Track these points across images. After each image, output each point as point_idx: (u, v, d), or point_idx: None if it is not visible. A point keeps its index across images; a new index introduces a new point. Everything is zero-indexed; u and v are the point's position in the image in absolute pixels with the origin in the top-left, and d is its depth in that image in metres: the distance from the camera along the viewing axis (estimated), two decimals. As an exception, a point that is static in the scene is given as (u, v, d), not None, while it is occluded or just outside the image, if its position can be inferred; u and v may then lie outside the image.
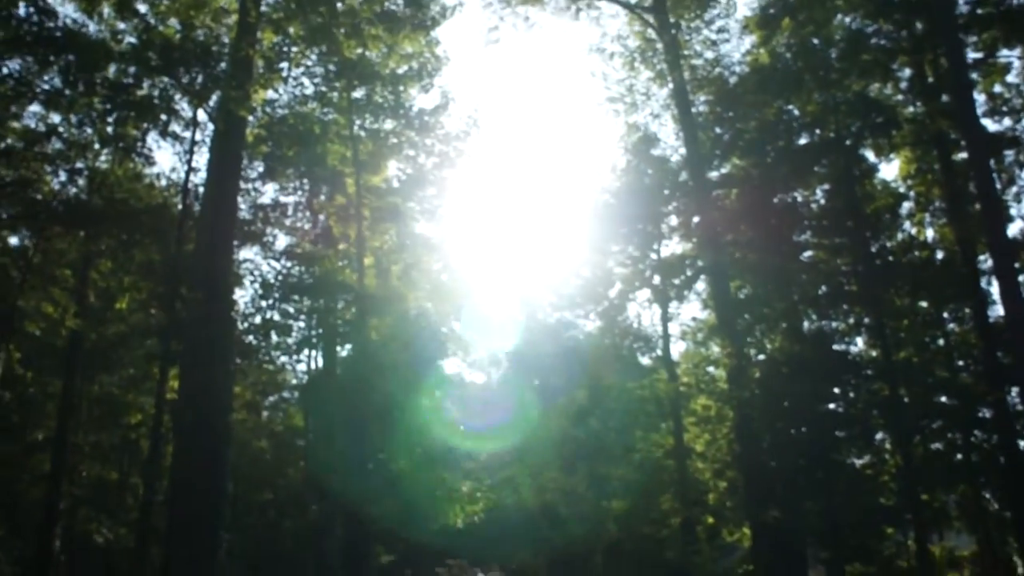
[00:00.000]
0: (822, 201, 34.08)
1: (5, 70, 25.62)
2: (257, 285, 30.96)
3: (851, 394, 30.89)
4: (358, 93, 25.56)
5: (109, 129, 28.63)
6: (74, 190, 31.73)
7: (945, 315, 34.13)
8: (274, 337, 29.69)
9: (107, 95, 25.19)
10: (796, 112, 33.50)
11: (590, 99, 73.55)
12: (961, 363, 32.64)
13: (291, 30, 25.28)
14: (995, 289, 43.46)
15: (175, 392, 28.26)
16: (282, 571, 37.58)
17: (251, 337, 30.31)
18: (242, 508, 43.14)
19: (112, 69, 25.05)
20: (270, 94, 25.42)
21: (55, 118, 28.33)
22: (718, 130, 33.88)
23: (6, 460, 34.81)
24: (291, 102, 26.71)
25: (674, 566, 30.41)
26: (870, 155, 34.66)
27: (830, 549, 29.48)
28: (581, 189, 37.51)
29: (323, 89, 25.78)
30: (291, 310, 28.53)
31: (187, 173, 31.46)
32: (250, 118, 24.48)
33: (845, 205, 32.35)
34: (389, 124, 26.15)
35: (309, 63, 25.69)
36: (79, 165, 31.24)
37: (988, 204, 22.73)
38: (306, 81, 26.08)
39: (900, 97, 34.28)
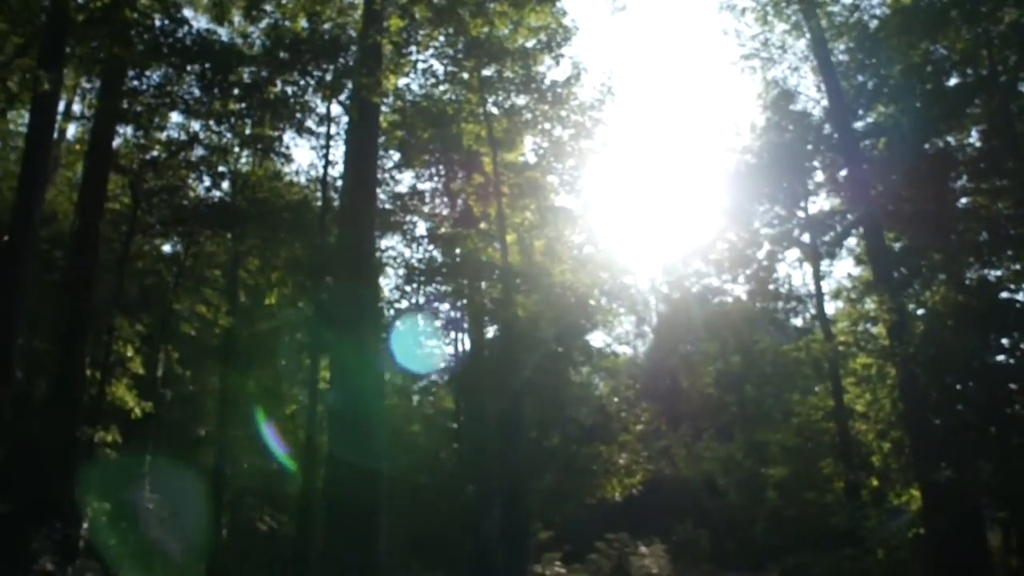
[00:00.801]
0: (978, 144, 32.34)
1: (146, 83, 26.50)
2: (401, 271, 31.26)
3: (1022, 345, 29.21)
4: (488, 71, 25.40)
5: (247, 131, 29.44)
6: (218, 193, 32.68)
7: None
8: (420, 321, 29.96)
9: (242, 96, 25.71)
10: (944, 52, 31.81)
11: (723, 59, 72.18)
12: None
13: (417, 14, 25.26)
14: None
15: (327, 382, 28.79)
16: (440, 553, 37.99)
17: (398, 322, 30.60)
18: (397, 492, 43.91)
19: (246, 72, 25.56)
20: (401, 80, 25.42)
21: (196, 125, 29.26)
22: (861, 78, 32.42)
23: (174, 455, 36.21)
24: (422, 86, 26.77)
25: (840, 532, 29.39)
26: (1027, 91, 32.75)
27: (1008, 508, 28.10)
28: (720, 152, 36.33)
29: (453, 70, 25.65)
30: (436, 292, 28.76)
31: (325, 167, 31.99)
32: (383, 105, 24.55)
33: (1004, 146, 30.59)
34: (522, 99, 25.92)
35: (437, 45, 25.57)
36: (221, 169, 32.20)
37: None
38: (435, 63, 26.04)
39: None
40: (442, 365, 35.67)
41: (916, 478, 27.02)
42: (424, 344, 35.81)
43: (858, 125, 32.44)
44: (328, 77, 24.51)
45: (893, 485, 29.74)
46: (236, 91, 24.75)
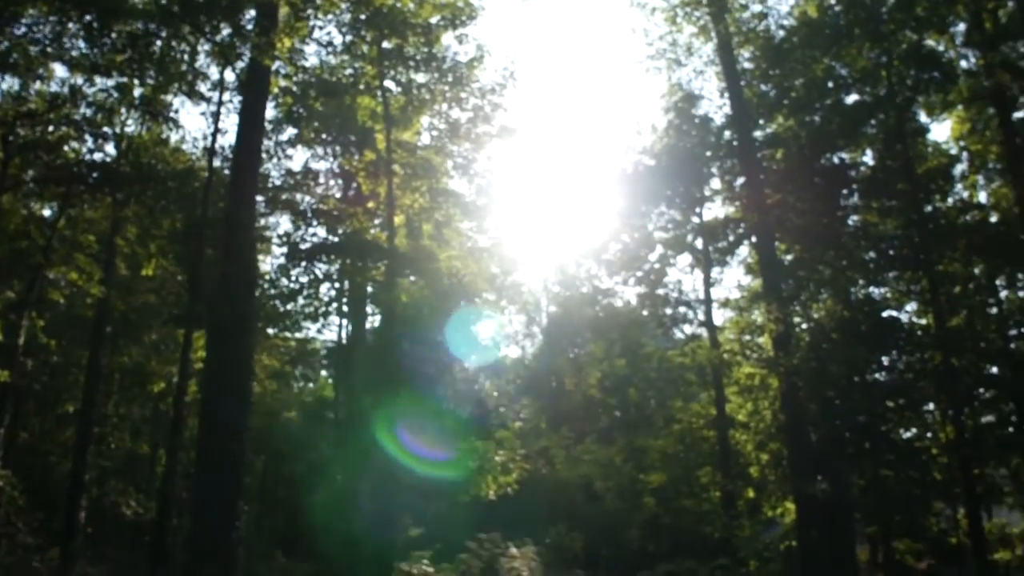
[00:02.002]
0: (871, 162, 32.73)
1: (25, 29, 24.88)
2: (284, 249, 30.14)
3: (900, 363, 29.58)
4: (388, 44, 24.44)
5: (136, 92, 28.02)
6: (100, 156, 31.10)
7: (999, 281, 32.85)
8: (301, 301, 28.89)
9: (130, 51, 24.28)
10: (845, 69, 32.12)
11: (630, 57, 72.35)
12: (1014, 332, 31.25)
13: (318, -26, 24.27)
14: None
15: (202, 361, 27.51)
16: (310, 544, 36.88)
17: (278, 302, 29.44)
18: (272, 481, 42.58)
19: (136, 26, 24.16)
20: (297, 44, 24.29)
21: (80, 81, 27.70)
22: (764, 87, 32.49)
23: (35, 431, 34.40)
24: (318, 53, 25.79)
25: (714, 541, 29.32)
26: (921, 116, 33.33)
27: (877, 524, 28.38)
28: (620, 151, 36.06)
29: (352, 39, 24.65)
30: (319, 273, 27.77)
31: (214, 135, 30.56)
32: (276, 68, 23.47)
33: (896, 166, 31.00)
34: (421, 77, 25.02)
35: (337, 12, 24.52)
36: (106, 130, 30.63)
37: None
38: (334, 31, 25.03)
39: (953, 53, 32.90)
40: (324, 352, 34.66)
41: (792, 491, 27.07)
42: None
43: (758, 134, 32.52)
44: (222, 35, 23.25)
45: (769, 497, 29.81)
46: (122, 42, 23.27)
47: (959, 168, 34.01)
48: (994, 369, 30.00)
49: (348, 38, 24.80)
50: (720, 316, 35.22)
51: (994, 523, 32.76)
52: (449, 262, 24.36)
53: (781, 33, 32.55)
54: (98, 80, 26.69)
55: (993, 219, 32.37)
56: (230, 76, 28.60)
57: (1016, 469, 31.03)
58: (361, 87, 24.64)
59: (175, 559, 28.75)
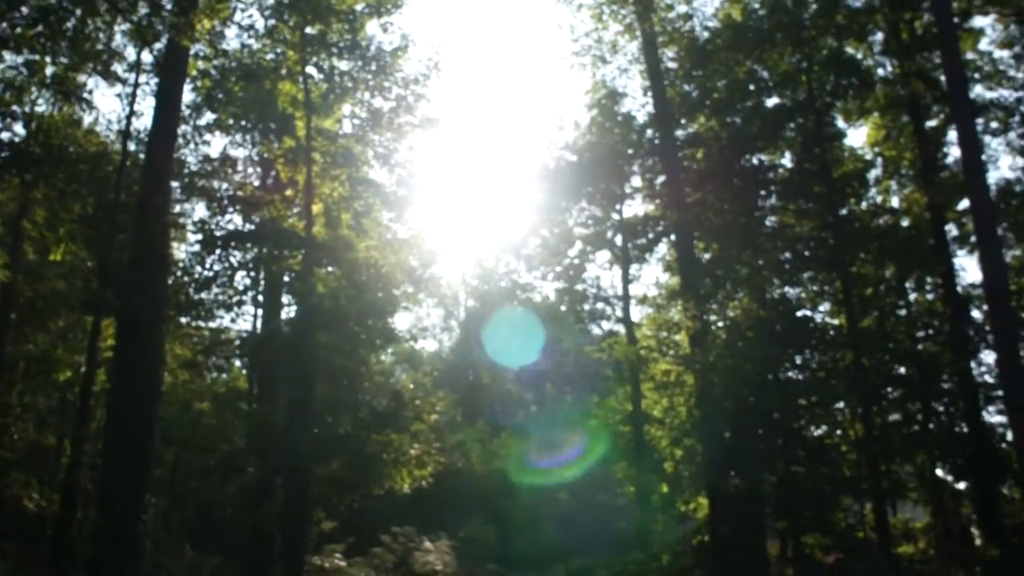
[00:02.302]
0: (789, 164, 33.25)
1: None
2: (200, 236, 29.50)
3: (813, 362, 30.10)
4: (312, 29, 24.04)
5: (48, 71, 27.10)
6: (7, 135, 30.05)
7: (908, 284, 33.67)
8: (215, 290, 28.31)
9: (41, 26, 23.44)
10: (767, 73, 32.60)
11: (555, 52, 72.52)
12: (921, 333, 32.06)
13: (239, -45, 23.79)
14: (960, 259, 43.35)
15: (111, 349, 26.77)
16: (221, 538, 36.19)
17: (191, 290, 28.80)
18: (182, 473, 41.69)
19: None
20: (217, 27, 23.72)
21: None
22: (687, 88, 32.79)
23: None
24: (239, 36, 25.28)
25: (628, 535, 29.50)
26: (839, 121, 34.00)
27: (787, 519, 28.82)
28: (542, 147, 35.97)
29: (274, 23, 24.19)
30: (234, 261, 27.25)
31: (128, 118, 29.80)
32: (195, 51, 22.94)
33: (813, 169, 31.55)
34: (344, 64, 24.68)
35: (260, -7, 24.10)
36: (15, 108, 29.61)
37: (972, 165, 21.79)
38: (256, 14, 24.53)
39: (871, 61, 33.63)
40: (238, 342, 33.97)
41: (705, 486, 27.36)
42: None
43: (679, 133, 32.79)
44: (140, 13, 22.57)
45: (682, 492, 30.08)
46: (31, 16, 22.46)
47: (874, 173, 34.82)
48: (902, 369, 30.71)
49: (270, 22, 24.35)
50: (638, 313, 35.46)
51: (899, 518, 33.59)
52: (367, 252, 24.03)
53: (705, 35, 32.92)
54: (7, 56, 25.75)
55: (905, 223, 33.16)
56: (147, 57, 27.94)
57: (920, 466, 31.91)
58: (282, 72, 24.20)
59: (80, 553, 27.94)
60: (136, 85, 29.53)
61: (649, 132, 33.30)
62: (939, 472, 32.70)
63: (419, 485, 24.87)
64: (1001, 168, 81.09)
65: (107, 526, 20.06)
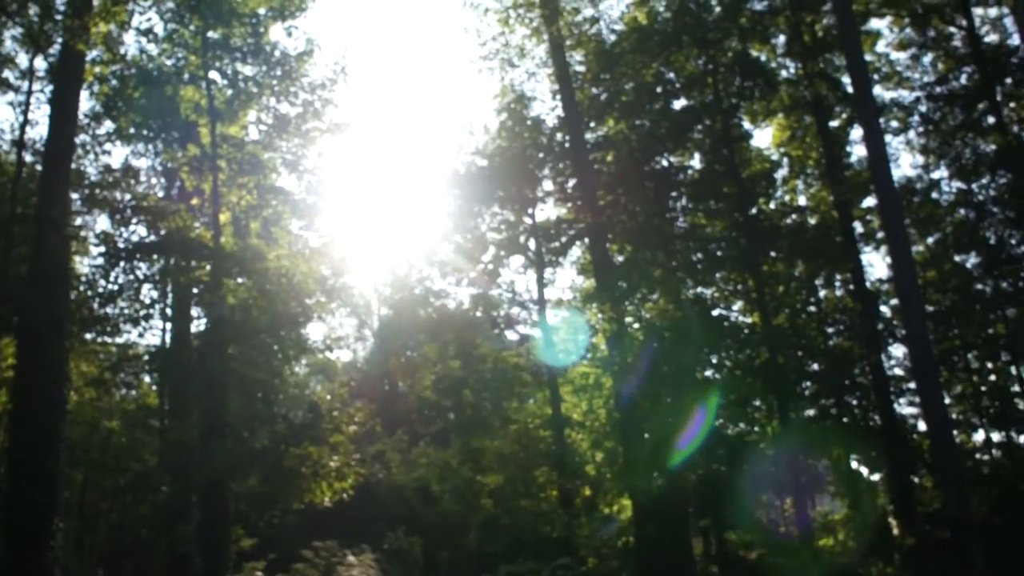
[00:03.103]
0: (698, 166, 33.59)
1: None
2: (103, 249, 28.54)
3: (727, 361, 30.40)
4: (214, 33, 23.46)
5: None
6: None
7: (818, 281, 34.25)
8: (120, 304, 27.43)
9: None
10: (674, 75, 32.89)
11: (463, 56, 72.20)
12: (831, 329, 32.62)
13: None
14: (867, 255, 44.40)
15: (12, 369, 25.72)
16: (136, 561, 35.12)
17: (95, 305, 27.84)
18: (92, 495, 40.34)
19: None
20: (115, 31, 23.02)
21: None
22: (595, 91, 32.89)
23: None
24: (138, 41, 24.57)
25: (553, 540, 29.37)
26: (745, 123, 34.45)
27: (710, 517, 29.06)
28: (453, 151, 35.76)
29: (174, 27, 23.52)
30: (140, 274, 26.44)
31: (22, 127, 28.66)
32: (92, 57, 22.24)
33: (721, 170, 31.90)
34: (248, 69, 24.13)
35: (158, -3, 23.41)
36: None
37: (877, 162, 22.22)
38: (155, 18, 23.78)
39: (775, 63, 34.17)
40: (147, 357, 32.97)
41: (627, 488, 27.40)
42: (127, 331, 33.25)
43: (589, 137, 32.86)
44: (30, 16, 21.78)
45: (605, 494, 30.12)
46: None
47: (781, 173, 35.36)
48: (815, 365, 31.17)
49: (170, 26, 23.67)
50: (554, 316, 35.43)
51: (818, 511, 34.13)
52: (278, 262, 23.49)
53: (612, 38, 33.06)
54: None
55: (813, 221, 33.72)
56: (41, 63, 26.96)
57: (837, 459, 32.46)
58: (184, 78, 23.57)
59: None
60: (29, 93, 28.32)
61: (559, 136, 33.38)
62: (855, 464, 33.35)
63: (340, 498, 24.38)
64: (902, 166, 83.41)
65: (13, 553, 19.21)
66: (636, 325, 30.81)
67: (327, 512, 26.99)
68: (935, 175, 33.06)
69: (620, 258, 32.11)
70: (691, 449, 25.81)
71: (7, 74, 27.16)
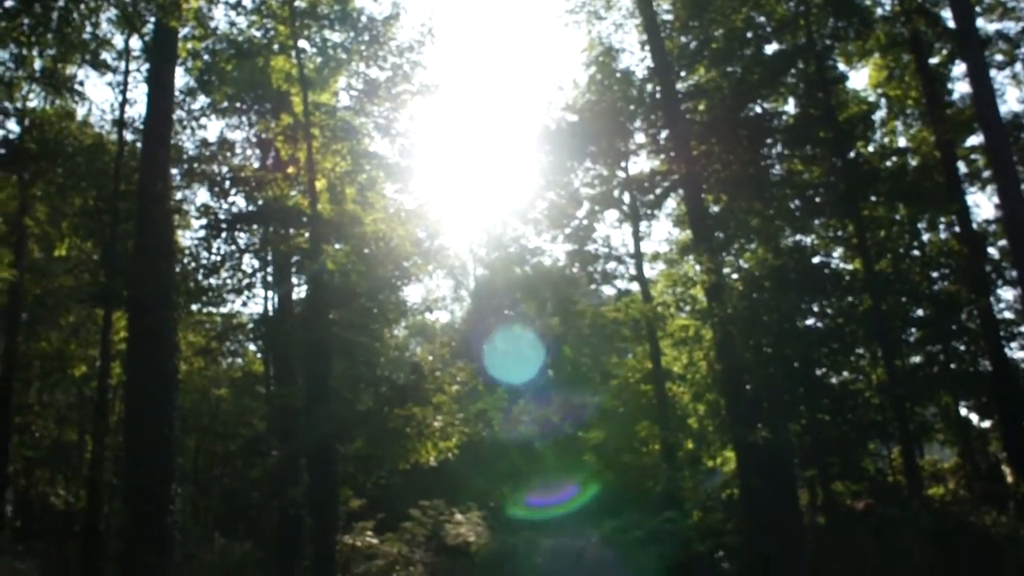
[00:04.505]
0: (793, 111, 32.83)
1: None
2: (203, 221, 29.23)
3: (830, 309, 29.82)
4: (301, 2, 23.62)
5: (36, 64, 26.78)
6: (2, 132, 29.90)
7: (920, 224, 33.35)
8: (223, 274, 28.08)
9: (25, 17, 23.04)
10: (764, 18, 32.11)
11: (549, 10, 71.76)
12: (936, 273, 31.73)
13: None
14: (972, 196, 43.24)
15: (124, 341, 26.60)
16: (249, 524, 36.23)
17: (200, 277, 28.59)
18: (205, 461, 41.71)
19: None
20: (204, 5, 23.34)
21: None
22: (684, 39, 32.30)
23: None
24: (227, 14, 24.92)
25: (657, 494, 29.33)
26: (840, 64, 33.51)
27: (815, 467, 28.68)
28: (542, 108, 35.50)
29: (262, -1, 23.78)
30: (241, 244, 26.99)
31: (122, 107, 29.56)
32: (184, 33, 22.64)
33: (817, 115, 31.13)
34: (336, 36, 24.22)
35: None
36: (7, 105, 29.45)
37: (984, 98, 21.43)
38: (244, -8, 24.02)
39: (869, 1, 33.08)
40: (251, 326, 33.77)
41: (731, 440, 27.18)
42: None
43: (680, 87, 32.32)
44: (127, 3, 22.22)
45: (708, 447, 29.95)
46: (14, 7, 22.08)
47: (879, 114, 34.48)
48: (920, 311, 30.44)
49: (258, -3, 23.93)
50: (651, 270, 35.18)
51: (927, 460, 33.48)
52: (375, 226, 23.67)
53: (700, -18, 32.37)
54: (-5, 51, 25.45)
55: (914, 163, 32.78)
56: (136, 43, 27.64)
57: (945, 407, 31.73)
58: (274, 48, 23.77)
59: (110, 548, 27.91)
60: (127, 73, 29.38)
61: (649, 87, 32.88)
62: (964, 411, 32.57)
63: (445, 457, 24.65)
64: (1008, 102, 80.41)
65: (135, 520, 19.92)
66: (735, 276, 30.46)
67: (433, 471, 27.31)
68: (1043, 109, 31.74)
69: (716, 208, 31.68)
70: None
71: (105, 55, 27.96)
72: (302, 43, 24.02)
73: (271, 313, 32.22)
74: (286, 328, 27.95)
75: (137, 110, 29.63)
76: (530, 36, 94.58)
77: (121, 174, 28.47)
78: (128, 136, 29.69)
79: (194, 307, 31.81)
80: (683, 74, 32.77)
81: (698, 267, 28.46)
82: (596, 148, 33.43)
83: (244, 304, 33.92)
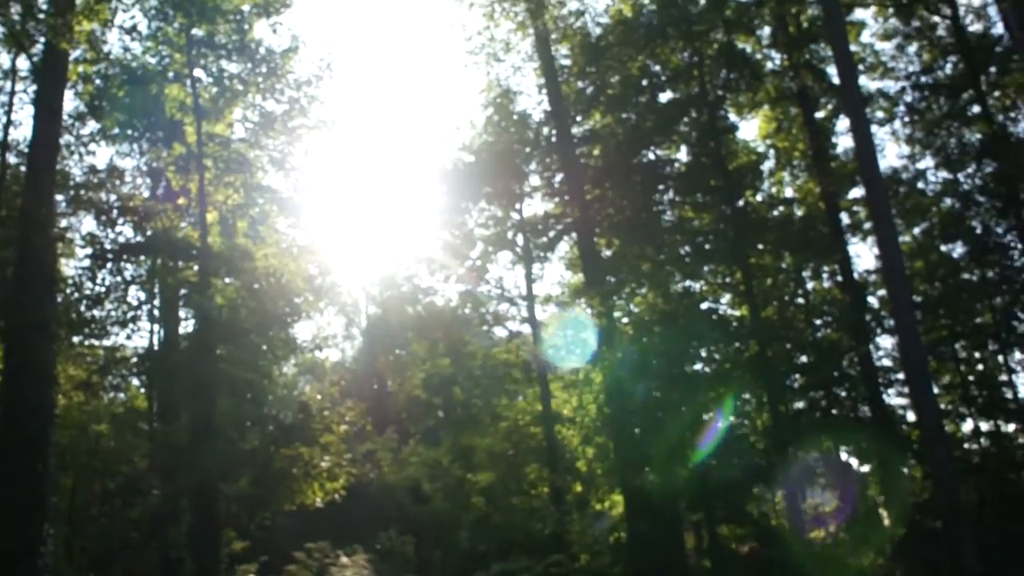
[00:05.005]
0: (685, 159, 33.58)
1: None
2: (88, 250, 28.34)
3: (716, 354, 30.38)
4: (199, 31, 23.26)
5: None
6: None
7: (805, 273, 34.28)
8: (108, 306, 27.22)
9: None
10: (659, 67, 32.88)
11: (450, 52, 71.92)
12: (819, 321, 32.63)
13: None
14: (854, 246, 44.63)
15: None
16: (127, 565, 34.86)
17: (83, 307, 27.65)
18: (81, 499, 40.04)
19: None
20: (98, 30, 22.80)
21: None
22: (581, 84, 32.86)
23: None
24: (122, 39, 24.39)
25: (545, 537, 29.30)
26: (731, 115, 34.46)
27: (702, 511, 28.99)
28: (439, 147, 35.59)
29: (158, 25, 23.32)
30: (127, 275, 26.24)
31: (6, 128, 28.47)
32: (75, 56, 22.05)
33: (708, 163, 31.90)
34: (233, 67, 23.93)
35: (142, -6, 23.21)
36: None
37: (864, 152, 22.22)
38: (139, 15, 23.57)
39: (760, 55, 34.19)
40: (135, 360, 32.76)
41: (619, 483, 27.35)
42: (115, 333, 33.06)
43: (576, 131, 32.82)
44: (13, 15, 21.53)
45: (597, 490, 30.05)
46: None
47: (767, 164, 35.37)
48: (803, 357, 31.21)
49: (154, 24, 23.45)
50: (543, 312, 35.34)
51: (809, 503, 34.19)
52: (266, 261, 23.31)
53: (598, 31, 33.07)
54: None
55: (800, 213, 33.76)
56: (23, 63, 26.73)
57: (827, 451, 32.50)
58: (169, 76, 23.34)
59: (-28, 589, 26.51)
60: (12, 93, 28.24)
61: (545, 130, 33.30)
62: (845, 456, 33.41)
63: (331, 498, 24.25)
64: (888, 157, 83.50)
65: (3, 561, 18.98)
66: (625, 320, 30.79)
67: (319, 513, 26.85)
68: (921, 165, 33.14)
69: (608, 252, 32.09)
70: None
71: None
72: (198, 72, 23.66)
73: (156, 347, 31.32)
74: (171, 363, 27.24)
75: (22, 132, 28.51)
76: (430, 74, 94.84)
77: (2, 198, 27.40)
78: (11, 159, 28.61)
79: (76, 339, 30.65)
80: (579, 119, 33.26)
81: (589, 310, 28.75)
82: (491, 189, 33.59)
83: (128, 337, 32.75)
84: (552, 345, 30.87)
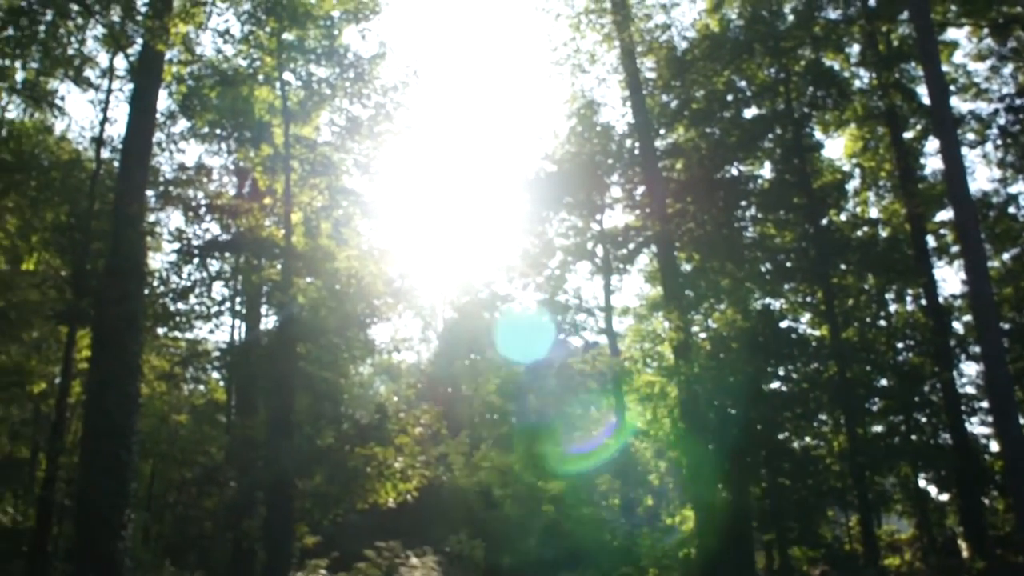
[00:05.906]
0: (769, 176, 33.26)
1: None
2: (176, 245, 29.09)
3: (796, 373, 30.03)
4: (289, 35, 23.74)
5: (18, 76, 26.65)
6: (-26, 142, 29.60)
7: (888, 295, 33.68)
8: (192, 300, 27.89)
9: (11, 29, 22.97)
10: (745, 83, 32.63)
11: (536, 62, 72.11)
12: (901, 344, 32.01)
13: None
14: (940, 270, 43.63)
15: (87, 360, 26.28)
16: (201, 554, 35.65)
17: (169, 301, 28.38)
18: (160, 487, 41.05)
19: (19, 2, 22.89)
20: (192, 32, 23.43)
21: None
22: (665, 98, 32.72)
23: None
24: (215, 41, 25.05)
25: (613, 548, 29.18)
26: (817, 132, 34.07)
27: (774, 531, 28.67)
28: (524, 155, 35.74)
29: (251, 28, 23.86)
30: (212, 271, 26.86)
31: (102, 125, 29.37)
32: (170, 56, 22.63)
33: (792, 180, 31.55)
34: (322, 71, 24.39)
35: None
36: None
37: (954, 175, 21.66)
38: (232, 19, 24.20)
39: (848, 73, 33.73)
40: (216, 353, 33.50)
41: (691, 498, 27.17)
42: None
43: (659, 144, 32.67)
44: (113, 15, 22.20)
45: (668, 504, 29.91)
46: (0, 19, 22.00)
47: (852, 184, 34.91)
48: (884, 380, 30.67)
49: (247, 27, 23.99)
50: (620, 324, 35.21)
51: (884, 530, 33.52)
52: (347, 263, 23.68)
53: (684, 45, 32.88)
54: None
55: (884, 234, 33.22)
56: (121, 63, 27.53)
57: (904, 477, 31.86)
58: (259, 79, 23.85)
59: (56, 569, 27.38)
60: (109, 91, 29.14)
61: (628, 142, 33.19)
62: (923, 483, 32.73)
63: (403, 499, 24.46)
64: (978, 180, 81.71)
65: (85, 542, 19.51)
66: (703, 335, 30.58)
67: (391, 513, 27.09)
68: (1012, 189, 32.39)
69: (688, 267, 31.90)
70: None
71: (88, 73, 27.87)
72: (287, 75, 24.13)
73: (238, 342, 31.99)
74: (252, 359, 27.74)
75: (117, 129, 29.33)
76: (514, 84, 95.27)
77: (96, 192, 28.23)
78: (105, 154, 29.46)
79: (160, 331, 31.50)
80: (662, 132, 33.12)
81: (667, 324, 28.60)
82: (572, 199, 33.56)
83: (211, 331, 33.70)
84: (628, 357, 30.65)
